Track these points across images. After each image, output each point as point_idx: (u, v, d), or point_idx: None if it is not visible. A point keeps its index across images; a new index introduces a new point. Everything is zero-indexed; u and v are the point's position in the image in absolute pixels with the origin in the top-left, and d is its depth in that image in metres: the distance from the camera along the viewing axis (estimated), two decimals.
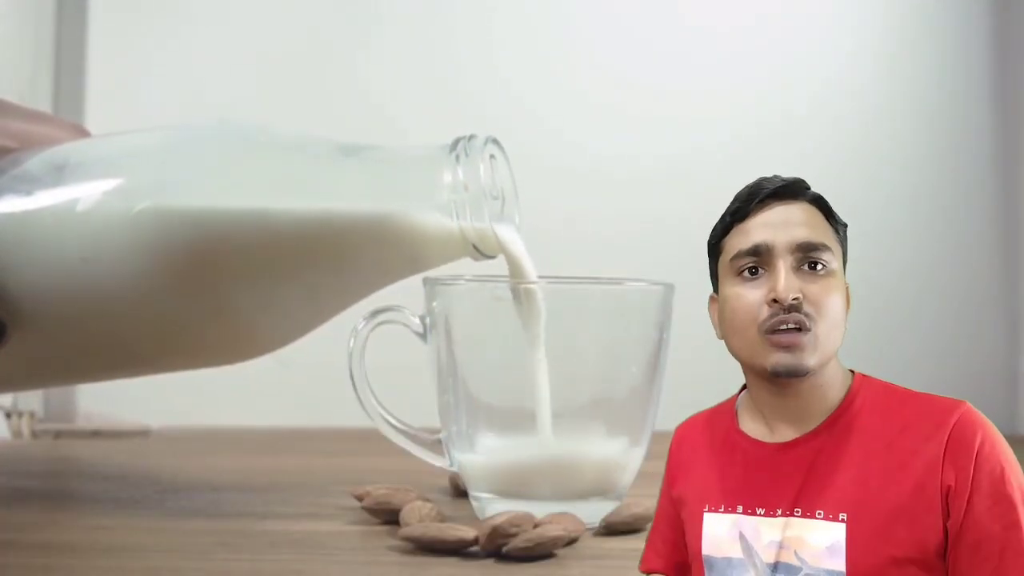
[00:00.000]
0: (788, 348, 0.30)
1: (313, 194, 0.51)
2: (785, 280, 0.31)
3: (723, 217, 0.33)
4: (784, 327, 0.30)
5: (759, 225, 0.32)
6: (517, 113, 0.96)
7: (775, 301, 0.31)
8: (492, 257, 0.52)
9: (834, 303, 0.31)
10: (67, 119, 0.60)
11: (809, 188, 0.33)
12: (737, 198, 0.33)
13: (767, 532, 0.31)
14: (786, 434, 0.32)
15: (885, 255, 0.98)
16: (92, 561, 0.45)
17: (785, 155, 0.98)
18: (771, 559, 0.30)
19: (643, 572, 0.35)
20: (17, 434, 0.90)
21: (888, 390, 0.32)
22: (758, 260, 0.31)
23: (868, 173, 1.00)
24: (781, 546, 0.30)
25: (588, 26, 1.01)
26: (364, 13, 1.00)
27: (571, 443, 0.52)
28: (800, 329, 0.31)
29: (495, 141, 0.52)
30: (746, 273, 0.32)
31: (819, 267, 0.31)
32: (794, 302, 0.31)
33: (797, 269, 0.31)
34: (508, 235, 0.52)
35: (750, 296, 0.31)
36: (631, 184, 0.98)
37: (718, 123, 1.00)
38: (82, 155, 0.53)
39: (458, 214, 0.50)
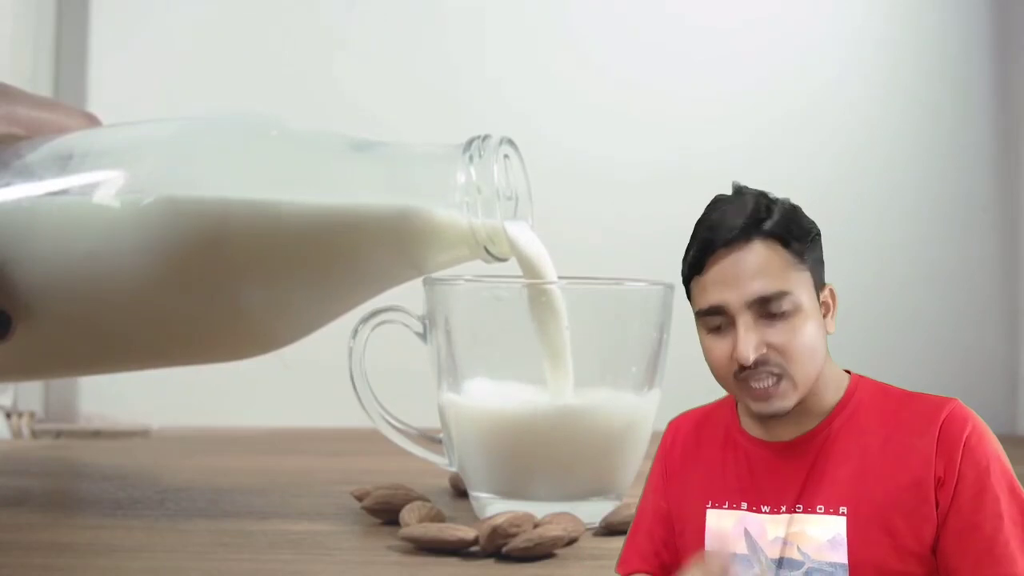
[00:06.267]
0: (763, 398, 0.31)
1: (325, 189, 0.50)
2: (744, 342, 0.30)
3: (684, 260, 0.33)
4: (755, 381, 0.31)
5: (713, 283, 0.31)
6: (511, 115, 0.96)
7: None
8: (504, 260, 0.52)
9: (803, 339, 0.31)
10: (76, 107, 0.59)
11: (764, 220, 0.32)
12: (693, 238, 0.32)
13: (772, 529, 0.31)
14: (787, 432, 0.32)
15: (886, 257, 0.98)
16: (92, 561, 0.45)
17: (785, 157, 0.98)
18: (775, 555, 0.31)
19: (621, 574, 0.35)
20: (17, 434, 0.90)
21: (883, 390, 0.33)
22: (720, 318, 0.31)
23: (868, 175, 1.00)
24: (785, 542, 0.31)
25: (585, 25, 1.01)
26: (348, 10, 0.99)
27: (571, 441, 0.52)
28: (771, 381, 0.31)
29: (510, 141, 0.52)
30: (713, 327, 0.32)
31: (782, 311, 0.31)
32: (759, 358, 0.30)
33: (759, 318, 0.31)
34: (520, 235, 0.51)
35: (719, 350, 0.31)
36: (631, 185, 0.98)
37: (717, 125, 1.00)
38: (89, 145, 0.52)
39: (470, 214, 0.50)
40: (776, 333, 0.30)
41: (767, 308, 0.30)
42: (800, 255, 0.31)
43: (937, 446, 0.30)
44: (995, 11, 1.02)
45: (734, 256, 0.31)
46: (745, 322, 0.30)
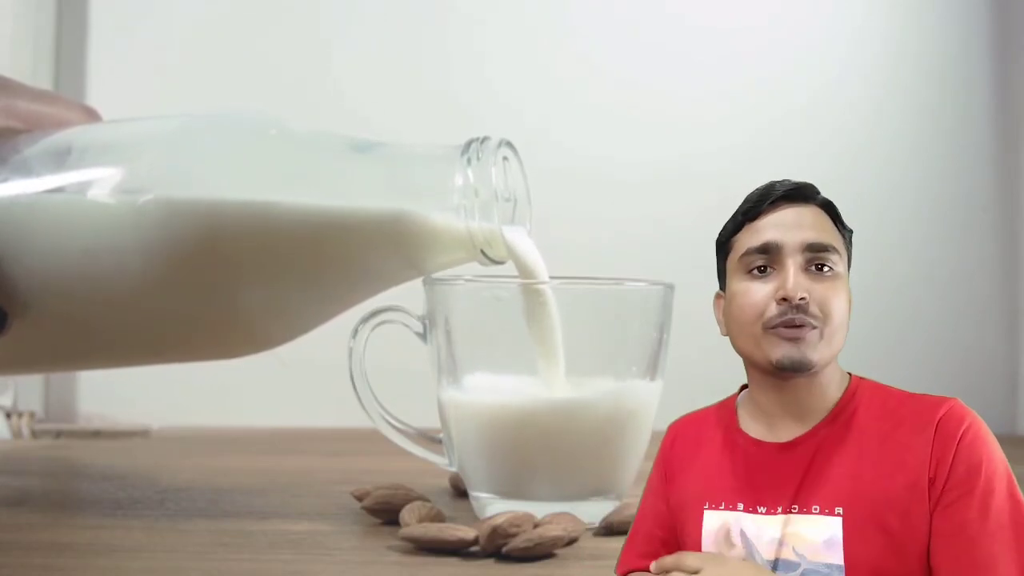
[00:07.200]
0: (794, 341, 0.31)
1: (324, 189, 0.50)
2: (794, 279, 0.31)
3: (735, 216, 0.34)
4: (790, 324, 0.31)
5: (770, 224, 0.32)
6: (511, 115, 0.96)
7: (784, 300, 0.31)
8: (501, 262, 0.52)
9: (839, 304, 0.32)
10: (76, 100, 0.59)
11: (819, 192, 0.33)
12: (749, 199, 0.33)
13: (768, 530, 0.31)
14: (786, 432, 0.32)
15: (886, 257, 0.98)
16: (92, 561, 0.45)
17: (785, 157, 0.98)
18: (771, 556, 0.31)
19: (620, 574, 0.35)
20: (17, 434, 0.90)
21: (884, 391, 0.33)
22: (768, 258, 0.32)
23: (868, 176, 1.00)
24: (781, 543, 0.31)
25: (585, 25, 1.01)
26: (346, 9, 0.99)
27: (570, 434, 0.52)
28: (806, 326, 0.31)
29: (509, 144, 0.52)
30: (755, 271, 0.32)
31: (826, 269, 0.32)
32: (801, 301, 0.31)
33: (805, 269, 0.32)
34: (517, 239, 0.51)
35: (758, 293, 0.32)
36: (631, 185, 0.98)
37: (717, 125, 1.00)
38: (87, 141, 0.52)
39: (468, 217, 0.50)
40: (819, 288, 0.31)
41: (818, 258, 0.32)
42: (843, 236, 0.33)
43: (933, 444, 0.30)
44: (995, 11, 1.02)
45: (793, 209, 0.33)
46: (796, 263, 0.31)
